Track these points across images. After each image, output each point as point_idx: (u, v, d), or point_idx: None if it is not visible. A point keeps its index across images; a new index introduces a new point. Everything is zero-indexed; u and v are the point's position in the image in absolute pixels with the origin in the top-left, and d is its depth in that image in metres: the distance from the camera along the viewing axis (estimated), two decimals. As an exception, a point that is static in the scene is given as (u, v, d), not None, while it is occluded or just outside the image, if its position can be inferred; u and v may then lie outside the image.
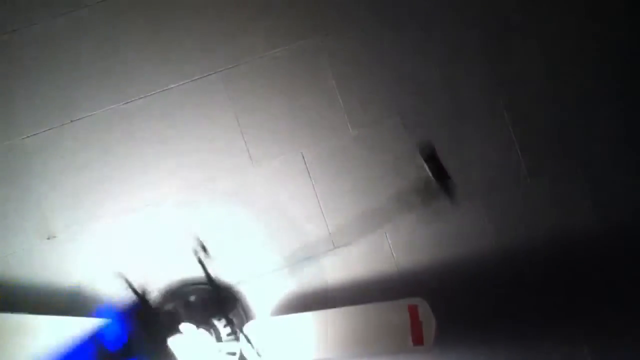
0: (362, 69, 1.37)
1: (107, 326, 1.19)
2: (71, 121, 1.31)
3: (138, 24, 1.32)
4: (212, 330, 1.24)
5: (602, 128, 1.40)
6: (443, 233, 1.38)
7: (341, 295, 1.36)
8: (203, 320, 1.27)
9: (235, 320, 1.28)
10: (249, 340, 1.16)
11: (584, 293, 1.39)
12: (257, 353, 1.15)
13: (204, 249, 1.21)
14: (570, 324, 1.39)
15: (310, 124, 1.36)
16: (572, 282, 1.40)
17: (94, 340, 1.14)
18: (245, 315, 1.35)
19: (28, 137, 1.30)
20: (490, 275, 1.39)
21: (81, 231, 1.31)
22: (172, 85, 1.33)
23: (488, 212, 1.38)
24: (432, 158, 1.28)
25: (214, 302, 1.29)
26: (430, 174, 1.28)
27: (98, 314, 1.30)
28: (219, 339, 1.26)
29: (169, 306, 1.27)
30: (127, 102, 1.32)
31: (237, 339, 1.24)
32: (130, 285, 1.21)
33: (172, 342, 1.14)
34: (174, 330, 1.14)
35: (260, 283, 1.35)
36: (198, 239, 1.23)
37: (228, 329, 1.28)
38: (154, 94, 1.32)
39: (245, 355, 1.20)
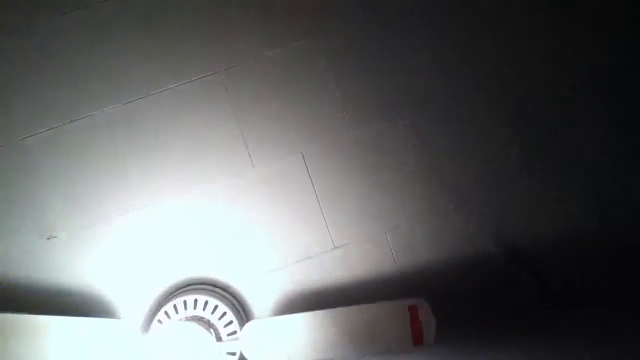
0: (362, 69, 1.36)
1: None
2: (71, 121, 1.31)
3: (138, 24, 1.32)
4: (212, 330, 1.25)
5: (602, 128, 1.40)
6: (443, 233, 1.38)
7: (341, 295, 1.36)
8: (203, 320, 1.27)
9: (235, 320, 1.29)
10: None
11: (585, 293, 1.40)
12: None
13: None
14: (570, 324, 1.39)
15: (310, 124, 1.36)
16: (572, 282, 1.40)
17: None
18: (245, 315, 1.35)
19: (28, 137, 1.30)
20: (490, 275, 1.39)
21: (81, 231, 1.31)
22: (172, 85, 1.33)
23: (488, 212, 1.39)
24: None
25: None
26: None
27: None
28: (219, 339, 1.26)
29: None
30: (127, 102, 1.32)
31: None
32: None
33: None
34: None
35: (260, 283, 1.36)
36: None
37: (228, 329, 1.28)
38: (154, 94, 1.32)
39: (245, 355, 1.20)
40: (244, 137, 1.35)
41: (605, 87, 1.40)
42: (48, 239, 1.30)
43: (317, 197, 1.36)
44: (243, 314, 1.34)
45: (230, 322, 1.28)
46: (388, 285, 1.36)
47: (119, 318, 1.31)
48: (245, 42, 1.34)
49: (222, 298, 1.31)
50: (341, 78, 1.36)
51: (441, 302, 1.19)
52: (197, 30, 1.33)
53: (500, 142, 1.39)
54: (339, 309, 1.19)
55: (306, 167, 1.36)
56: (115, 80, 1.31)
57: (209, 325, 1.26)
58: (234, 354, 1.26)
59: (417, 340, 1.16)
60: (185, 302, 1.28)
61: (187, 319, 1.27)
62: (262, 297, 1.35)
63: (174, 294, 1.32)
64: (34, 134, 1.30)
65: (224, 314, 1.28)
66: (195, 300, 1.28)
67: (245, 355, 1.20)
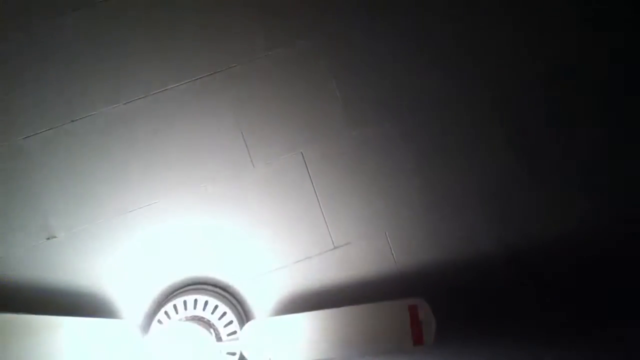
0: (362, 69, 1.36)
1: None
2: (71, 121, 1.31)
3: (138, 24, 1.32)
4: (212, 330, 1.24)
5: (602, 128, 1.40)
6: (443, 233, 1.38)
7: (341, 295, 1.36)
8: (203, 320, 1.27)
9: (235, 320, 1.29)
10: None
11: (585, 293, 1.39)
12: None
13: None
14: (570, 324, 1.39)
15: (310, 124, 1.36)
16: (573, 282, 1.40)
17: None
18: (245, 315, 1.35)
19: (28, 137, 1.30)
20: (490, 275, 1.39)
21: (81, 231, 1.31)
22: (172, 85, 1.33)
23: (488, 212, 1.39)
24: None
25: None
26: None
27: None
28: (219, 339, 1.26)
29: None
30: (127, 102, 1.32)
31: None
32: None
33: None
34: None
35: (260, 283, 1.36)
36: None
37: (228, 329, 1.28)
38: (154, 94, 1.32)
39: (245, 355, 1.20)
40: (244, 137, 1.34)
41: (605, 87, 1.40)
42: (48, 239, 1.30)
43: (317, 197, 1.36)
44: (243, 314, 1.34)
45: (230, 322, 1.28)
46: (388, 285, 1.36)
47: (119, 318, 1.31)
48: (245, 42, 1.34)
49: (222, 298, 1.31)
50: (341, 78, 1.36)
51: (441, 302, 1.19)
52: (197, 30, 1.33)
53: (500, 142, 1.39)
54: (339, 309, 1.19)
55: (306, 166, 1.36)
56: (115, 80, 1.31)
57: (209, 325, 1.26)
58: (234, 354, 1.26)
59: (417, 340, 1.16)
60: (185, 302, 1.28)
61: (187, 319, 1.27)
62: (262, 297, 1.35)
63: (174, 294, 1.32)
64: (34, 134, 1.30)
65: (224, 314, 1.28)
66: (195, 300, 1.28)
67: (245, 355, 1.20)
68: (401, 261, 1.37)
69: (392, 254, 1.37)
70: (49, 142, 1.30)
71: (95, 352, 1.16)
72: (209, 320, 1.27)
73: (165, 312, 1.28)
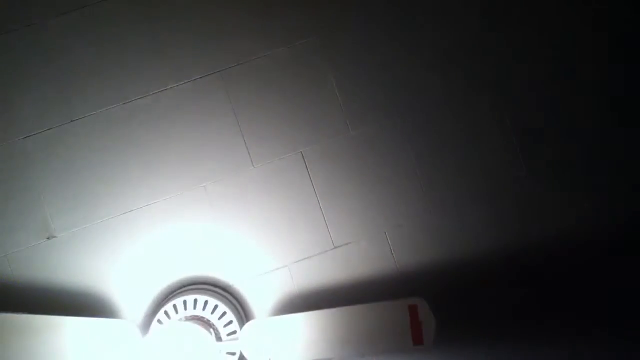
0: (362, 69, 1.37)
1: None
2: (71, 121, 1.31)
3: (138, 24, 1.32)
4: (212, 330, 1.24)
5: (602, 128, 1.40)
6: (443, 233, 1.38)
7: (341, 295, 1.36)
8: (203, 320, 1.27)
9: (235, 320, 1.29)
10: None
11: (585, 293, 1.39)
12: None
13: None
14: (570, 324, 1.39)
15: (310, 124, 1.36)
16: (573, 282, 1.40)
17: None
18: (245, 315, 1.35)
19: (28, 137, 1.30)
20: (490, 275, 1.39)
21: (81, 231, 1.31)
22: (172, 85, 1.33)
23: (488, 212, 1.38)
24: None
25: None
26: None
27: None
28: (219, 339, 1.26)
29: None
30: (127, 102, 1.32)
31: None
32: None
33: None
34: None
35: (260, 283, 1.36)
36: None
37: (228, 329, 1.28)
38: (153, 94, 1.32)
39: (245, 355, 1.20)
40: (244, 136, 1.35)
41: (605, 87, 1.40)
42: (48, 239, 1.30)
43: (317, 196, 1.36)
44: (243, 314, 1.34)
45: (230, 322, 1.28)
46: (388, 285, 1.36)
47: (119, 318, 1.31)
48: (245, 42, 1.34)
49: (222, 298, 1.31)
50: (341, 78, 1.36)
51: (441, 302, 1.19)
52: (197, 30, 1.33)
53: (500, 142, 1.39)
54: (339, 309, 1.19)
55: (306, 166, 1.36)
56: (115, 80, 1.31)
57: (209, 325, 1.26)
58: (234, 354, 1.26)
59: (417, 340, 1.16)
60: (185, 302, 1.28)
61: (187, 319, 1.27)
62: (262, 297, 1.35)
63: (174, 294, 1.32)
64: (34, 134, 1.30)
65: (224, 314, 1.28)
66: (195, 300, 1.28)
67: (245, 355, 1.20)
68: (401, 261, 1.37)
69: (392, 254, 1.37)
70: (49, 142, 1.30)
71: (96, 352, 1.16)
72: (209, 320, 1.27)
73: (165, 312, 1.28)
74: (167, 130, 1.33)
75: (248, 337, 1.20)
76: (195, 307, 1.28)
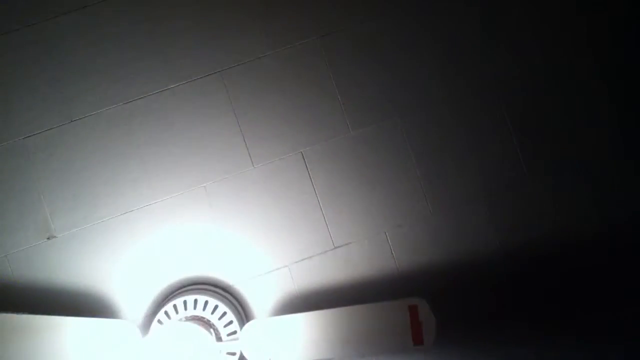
0: (362, 69, 1.37)
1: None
2: (71, 121, 1.31)
3: (138, 24, 1.32)
4: (212, 330, 1.25)
5: (602, 128, 1.40)
6: (443, 233, 1.38)
7: (341, 295, 1.36)
8: (203, 320, 1.27)
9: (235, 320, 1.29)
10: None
11: (585, 293, 1.39)
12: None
13: None
14: (571, 324, 1.39)
15: (310, 124, 1.36)
16: (573, 282, 1.40)
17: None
18: (245, 315, 1.35)
19: (28, 137, 1.30)
20: (490, 275, 1.39)
21: (81, 231, 1.31)
22: (172, 85, 1.33)
23: (488, 212, 1.39)
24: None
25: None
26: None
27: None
28: (219, 339, 1.26)
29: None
30: (127, 102, 1.32)
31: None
32: None
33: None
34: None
35: (260, 283, 1.36)
36: None
37: (228, 329, 1.28)
38: (153, 94, 1.32)
39: (245, 355, 1.20)
40: (244, 136, 1.35)
41: (605, 87, 1.40)
42: (48, 239, 1.30)
43: (317, 196, 1.36)
44: (243, 314, 1.34)
45: (230, 322, 1.28)
46: (388, 285, 1.36)
47: (119, 318, 1.31)
48: (245, 42, 1.34)
49: (222, 298, 1.31)
50: (341, 78, 1.36)
51: (441, 302, 1.19)
52: (197, 30, 1.33)
53: (500, 142, 1.39)
54: (339, 309, 1.19)
55: (306, 166, 1.36)
56: (115, 80, 1.31)
57: (209, 325, 1.26)
58: (234, 354, 1.26)
59: (417, 340, 1.16)
60: (185, 302, 1.28)
61: (187, 319, 1.27)
62: (262, 297, 1.35)
63: (174, 294, 1.32)
64: (34, 134, 1.30)
65: (224, 314, 1.28)
66: (195, 300, 1.28)
67: (245, 355, 1.20)
68: (401, 261, 1.37)
69: (392, 254, 1.37)
70: (49, 142, 1.30)
71: (96, 352, 1.16)
72: (209, 320, 1.27)
73: (165, 312, 1.28)
74: (167, 130, 1.33)
75: (248, 337, 1.20)
76: (195, 307, 1.28)
